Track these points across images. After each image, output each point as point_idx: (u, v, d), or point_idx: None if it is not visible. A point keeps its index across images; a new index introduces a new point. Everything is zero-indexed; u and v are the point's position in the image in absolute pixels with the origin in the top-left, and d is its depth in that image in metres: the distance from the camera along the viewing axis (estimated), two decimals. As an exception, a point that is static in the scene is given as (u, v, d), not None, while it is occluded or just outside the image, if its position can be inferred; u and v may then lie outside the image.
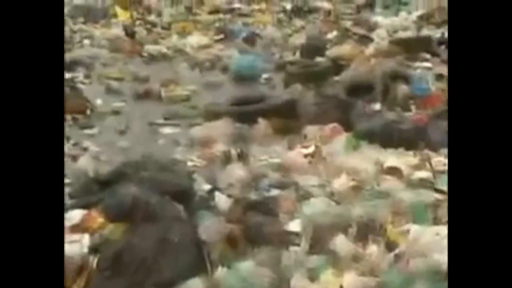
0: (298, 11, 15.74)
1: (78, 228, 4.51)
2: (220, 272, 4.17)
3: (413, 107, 7.61)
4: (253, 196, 5.05)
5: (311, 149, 6.06)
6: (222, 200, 5.00)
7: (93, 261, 4.23)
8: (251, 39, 12.71)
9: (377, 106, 7.39)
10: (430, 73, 8.65)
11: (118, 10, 14.94)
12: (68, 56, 11.06)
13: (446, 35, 10.56)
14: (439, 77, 8.42)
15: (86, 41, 13.10)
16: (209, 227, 4.51)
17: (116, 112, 8.76)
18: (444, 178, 5.03)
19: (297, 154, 6.05)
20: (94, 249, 4.31)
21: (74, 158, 6.44)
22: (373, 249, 4.27)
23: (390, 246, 4.29)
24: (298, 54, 11.37)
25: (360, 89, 7.85)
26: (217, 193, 5.10)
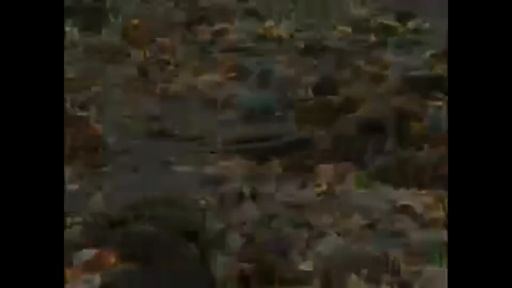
0: (311, 50, 15.76)
1: (91, 266, 4.51)
2: (232, 311, 4.16)
3: (425, 146, 7.59)
4: (265, 235, 5.04)
5: (323, 188, 6.05)
6: (234, 239, 4.99)
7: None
8: (264, 78, 12.72)
9: (390, 145, 7.38)
10: (443, 112, 8.63)
11: (132, 49, 15.04)
12: (82, 95, 11.11)
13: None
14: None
15: (100, 80, 13.15)
16: (222, 266, 4.50)
17: (129, 151, 8.77)
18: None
19: (310, 193, 6.04)
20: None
21: (87, 196, 6.45)
22: (386, 289, 4.25)
23: (403, 286, 4.26)
24: (311, 92, 11.38)
25: (373, 128, 7.84)
26: (229, 232, 5.09)
